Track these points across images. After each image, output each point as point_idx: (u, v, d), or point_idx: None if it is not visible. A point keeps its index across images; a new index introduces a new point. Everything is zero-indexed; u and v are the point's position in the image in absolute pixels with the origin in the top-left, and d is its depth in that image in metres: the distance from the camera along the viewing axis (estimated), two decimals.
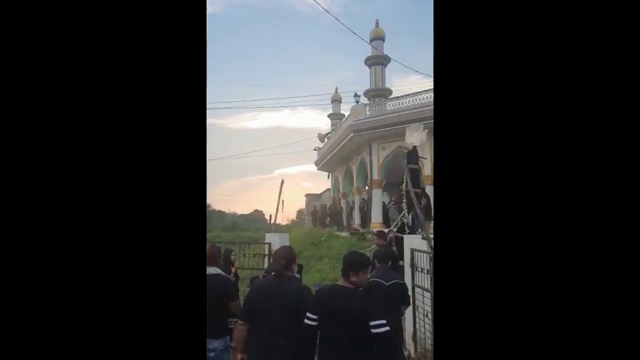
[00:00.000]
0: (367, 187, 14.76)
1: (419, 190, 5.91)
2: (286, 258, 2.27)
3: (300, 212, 33.25)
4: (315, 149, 21.78)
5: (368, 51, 19.94)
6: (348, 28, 33.47)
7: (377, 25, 19.51)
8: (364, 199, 15.02)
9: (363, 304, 1.94)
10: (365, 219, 13.76)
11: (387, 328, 1.88)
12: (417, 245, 3.92)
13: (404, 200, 6.15)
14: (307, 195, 27.53)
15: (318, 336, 2.02)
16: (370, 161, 13.44)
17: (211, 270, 2.62)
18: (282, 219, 22.47)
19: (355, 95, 14.19)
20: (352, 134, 13.02)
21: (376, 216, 13.19)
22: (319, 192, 26.00)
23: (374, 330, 1.84)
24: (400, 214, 12.47)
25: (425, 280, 3.60)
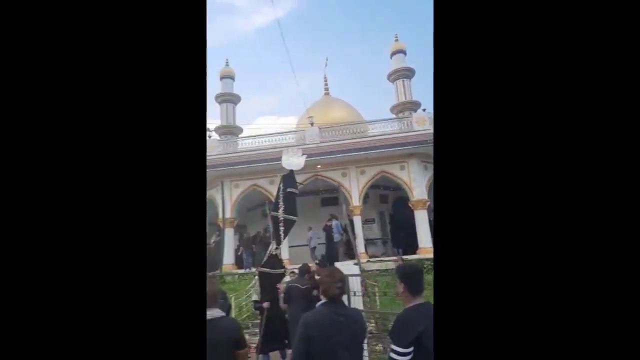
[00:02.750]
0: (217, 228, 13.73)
1: (295, 218, 5.46)
2: (343, 281, 1.99)
3: None
4: None
5: (218, 88, 19.65)
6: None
7: (227, 64, 19.77)
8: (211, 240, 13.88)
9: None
10: (215, 261, 12.66)
11: None
12: (350, 271, 3.94)
13: (271, 232, 5.67)
14: None
15: None
16: (223, 199, 12.67)
17: (213, 312, 2.03)
18: None
19: (207, 129, 13.45)
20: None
21: (228, 258, 12.34)
22: None
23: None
24: (251, 256, 11.98)
25: (359, 302, 3.63)
